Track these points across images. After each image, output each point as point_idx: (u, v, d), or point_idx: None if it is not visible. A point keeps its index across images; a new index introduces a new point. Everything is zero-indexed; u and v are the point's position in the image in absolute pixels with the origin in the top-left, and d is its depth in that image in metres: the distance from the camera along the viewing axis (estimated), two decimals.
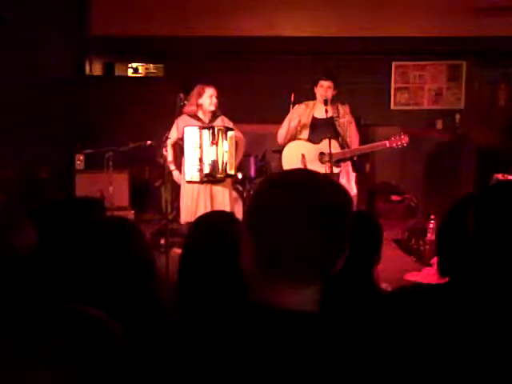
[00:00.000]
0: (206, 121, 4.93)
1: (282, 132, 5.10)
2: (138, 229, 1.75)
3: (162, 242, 5.33)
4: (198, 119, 4.93)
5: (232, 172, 4.91)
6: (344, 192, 1.09)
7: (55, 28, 6.68)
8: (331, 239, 1.03)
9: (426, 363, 1.15)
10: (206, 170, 4.78)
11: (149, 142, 5.26)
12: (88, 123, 7.12)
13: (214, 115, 4.96)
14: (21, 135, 6.13)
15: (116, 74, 7.85)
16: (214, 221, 2.04)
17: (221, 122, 4.95)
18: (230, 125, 5.01)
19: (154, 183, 6.91)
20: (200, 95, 4.89)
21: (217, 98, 4.90)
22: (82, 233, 1.69)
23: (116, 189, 5.62)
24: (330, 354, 0.98)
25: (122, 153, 5.38)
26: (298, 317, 1.01)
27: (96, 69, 7.88)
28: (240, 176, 6.24)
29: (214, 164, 4.79)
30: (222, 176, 4.85)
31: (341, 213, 1.05)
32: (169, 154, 5.03)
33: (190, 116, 4.92)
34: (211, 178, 4.82)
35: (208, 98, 4.87)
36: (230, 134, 4.84)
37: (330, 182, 1.11)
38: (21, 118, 6.17)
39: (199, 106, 4.91)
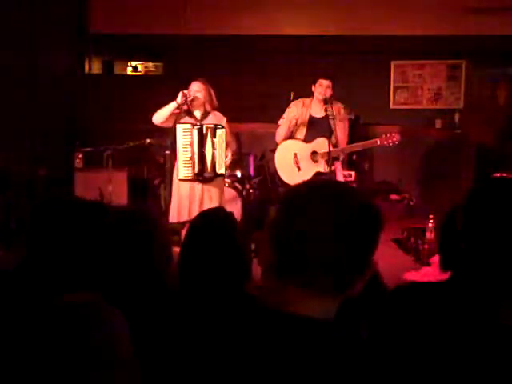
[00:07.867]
0: (199, 117, 4.78)
1: (281, 131, 5.09)
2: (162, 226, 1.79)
3: None
4: (191, 116, 4.78)
5: (222, 171, 4.71)
6: (374, 212, 1.08)
7: (54, 26, 6.67)
8: (350, 257, 1.03)
9: (431, 364, 1.15)
10: (196, 169, 4.64)
11: (148, 141, 5.26)
12: (87, 121, 7.12)
13: (206, 111, 4.80)
14: (20, 133, 6.12)
15: (115, 72, 7.84)
16: (211, 219, 2.05)
17: (211, 118, 4.78)
18: (224, 120, 4.82)
19: (153, 182, 6.90)
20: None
21: (206, 92, 4.71)
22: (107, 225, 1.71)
23: (115, 187, 5.63)
24: (336, 362, 0.98)
25: (121, 151, 5.39)
26: (307, 322, 1.01)
27: (95, 67, 7.86)
28: (239, 175, 6.24)
29: (203, 163, 4.64)
30: (212, 175, 4.68)
31: (363, 233, 1.05)
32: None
33: (184, 113, 4.75)
34: (200, 177, 4.66)
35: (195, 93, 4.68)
36: (218, 132, 4.64)
37: (358, 197, 1.10)
38: (20, 117, 6.16)
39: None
